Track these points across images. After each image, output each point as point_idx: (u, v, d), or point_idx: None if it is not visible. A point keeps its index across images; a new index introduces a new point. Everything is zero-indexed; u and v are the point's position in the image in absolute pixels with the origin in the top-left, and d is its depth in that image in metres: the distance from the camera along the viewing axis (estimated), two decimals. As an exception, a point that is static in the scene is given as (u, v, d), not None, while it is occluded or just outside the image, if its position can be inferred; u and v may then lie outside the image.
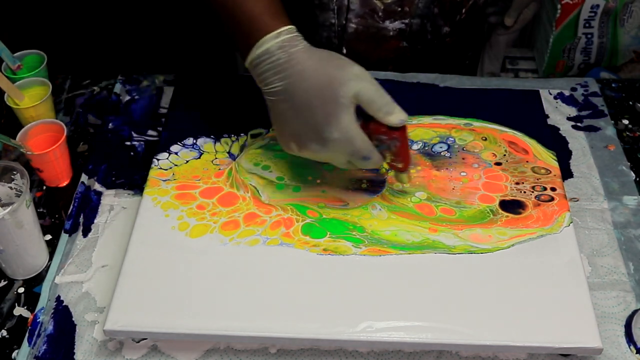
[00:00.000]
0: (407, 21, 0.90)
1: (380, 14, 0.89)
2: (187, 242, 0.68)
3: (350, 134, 0.63)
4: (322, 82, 0.62)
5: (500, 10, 1.03)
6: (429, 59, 0.96)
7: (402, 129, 0.65)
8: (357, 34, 0.91)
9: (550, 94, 0.90)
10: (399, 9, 0.89)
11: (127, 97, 0.91)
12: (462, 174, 0.75)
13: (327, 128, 0.63)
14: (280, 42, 0.63)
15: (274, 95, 0.65)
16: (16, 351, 0.66)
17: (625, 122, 0.87)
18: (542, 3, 1.11)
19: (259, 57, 0.64)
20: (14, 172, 0.69)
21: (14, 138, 0.76)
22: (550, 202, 0.72)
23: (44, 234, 0.75)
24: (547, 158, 0.76)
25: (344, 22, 0.90)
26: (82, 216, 0.76)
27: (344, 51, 0.93)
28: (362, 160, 0.65)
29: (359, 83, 0.63)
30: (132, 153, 0.83)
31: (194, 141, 0.79)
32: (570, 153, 0.82)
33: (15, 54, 0.85)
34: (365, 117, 0.65)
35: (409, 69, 0.92)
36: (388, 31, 0.91)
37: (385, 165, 0.71)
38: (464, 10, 0.92)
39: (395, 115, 0.64)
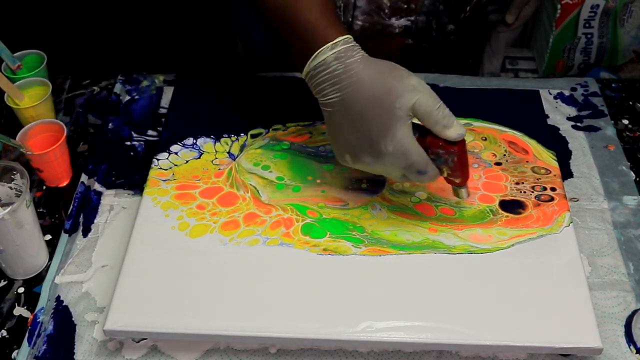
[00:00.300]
0: (412, 18, 0.90)
1: (386, 11, 0.89)
2: (187, 242, 0.68)
3: (406, 148, 0.61)
4: (378, 94, 0.61)
5: (501, 9, 1.03)
6: (433, 56, 0.96)
7: (460, 143, 0.63)
8: (363, 31, 0.91)
9: (550, 94, 0.90)
10: (405, 6, 0.89)
11: (127, 97, 0.91)
12: (462, 174, 0.75)
13: (382, 141, 0.61)
14: (337, 53, 0.62)
15: (330, 106, 0.64)
16: (16, 351, 0.66)
17: (625, 122, 0.87)
18: (542, 3, 1.11)
19: (315, 68, 0.63)
20: (14, 172, 0.69)
21: (14, 138, 0.76)
22: (550, 202, 0.72)
23: (44, 234, 0.75)
24: (547, 158, 0.76)
25: (350, 19, 0.90)
26: (82, 216, 0.76)
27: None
28: (418, 174, 0.63)
29: (416, 95, 0.61)
30: (132, 153, 0.83)
31: (194, 141, 0.79)
32: (570, 153, 0.82)
33: (15, 54, 0.85)
34: (421, 131, 0.63)
35: (413, 66, 0.92)
36: (394, 28, 0.91)
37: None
38: (468, 8, 0.92)
39: (453, 129, 0.62)
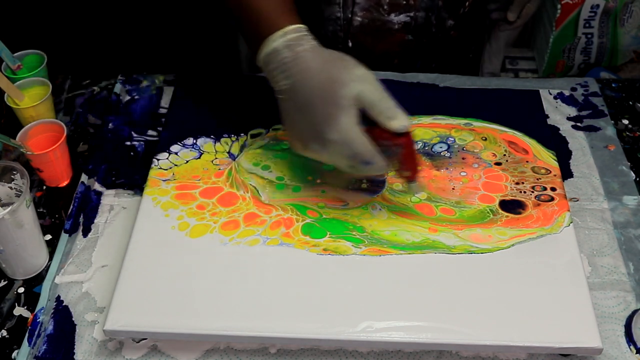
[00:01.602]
0: (412, 14, 0.90)
1: (385, 7, 0.89)
2: (187, 242, 0.68)
3: (350, 137, 0.62)
4: (323, 82, 0.62)
5: (503, 7, 1.03)
6: (433, 52, 0.96)
7: (406, 135, 0.63)
8: (363, 27, 0.92)
9: (550, 94, 0.90)
10: (404, 2, 0.89)
11: (127, 97, 0.91)
12: (462, 173, 0.75)
13: (327, 129, 0.62)
14: (287, 40, 0.63)
15: (281, 94, 0.65)
16: (16, 351, 0.66)
17: (625, 122, 0.87)
18: (543, 3, 1.11)
19: (268, 55, 0.64)
20: (14, 172, 0.69)
21: (14, 138, 0.76)
22: (550, 202, 0.72)
23: (44, 234, 0.75)
24: (547, 158, 0.77)
25: (350, 15, 0.90)
26: (82, 216, 0.76)
27: (350, 44, 0.93)
28: (364, 164, 0.63)
29: (361, 85, 0.62)
30: (132, 153, 0.83)
31: (194, 141, 0.79)
32: (570, 153, 0.82)
33: (15, 54, 0.85)
34: (370, 122, 0.63)
35: (414, 63, 0.92)
36: (393, 24, 0.91)
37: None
38: (467, 3, 0.92)
39: (397, 120, 0.62)
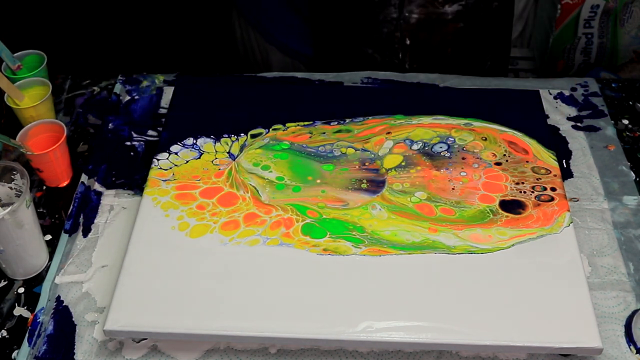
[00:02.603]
0: (463, 2, 0.92)
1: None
2: (187, 242, 0.68)
3: None
4: None
5: None
6: (482, 37, 0.98)
7: None
8: (419, 23, 0.93)
9: (550, 94, 0.90)
10: None
11: (127, 97, 0.91)
12: (462, 174, 0.75)
13: None
14: None
15: None
16: (16, 351, 0.66)
17: (625, 122, 0.87)
18: (542, 3, 1.11)
19: None
20: (14, 172, 0.69)
21: (14, 138, 0.76)
22: (550, 202, 0.72)
23: (44, 234, 0.75)
24: (547, 158, 0.77)
25: (407, 14, 0.92)
26: (82, 216, 0.76)
27: (407, 42, 0.95)
28: None
29: None
30: (132, 153, 0.83)
31: (194, 141, 0.79)
32: (570, 153, 0.82)
33: (15, 54, 0.85)
34: None
35: (466, 50, 0.95)
36: (447, 15, 0.93)
37: (386, 165, 0.71)
38: None
39: None
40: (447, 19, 0.94)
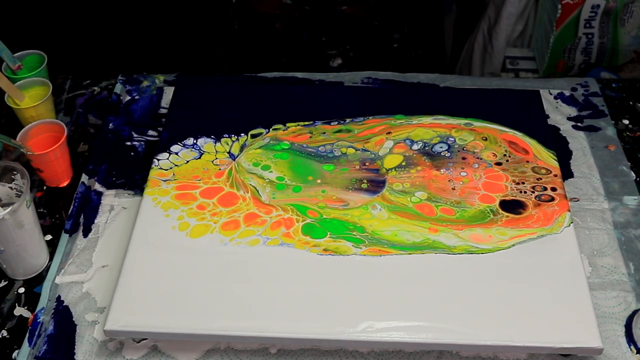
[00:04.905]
0: None
1: None
2: (187, 242, 0.68)
3: None
4: None
5: None
6: (325, 25, 0.93)
7: None
8: None
9: (551, 94, 0.90)
10: None
11: (128, 97, 0.91)
12: (462, 174, 0.75)
13: None
14: None
15: None
16: (16, 351, 0.66)
17: (626, 122, 0.87)
18: (543, 3, 1.11)
19: None
20: (14, 172, 0.69)
21: (14, 138, 0.76)
22: (551, 202, 0.72)
23: (44, 234, 0.75)
24: (547, 158, 0.77)
25: None
26: (82, 216, 0.76)
27: (233, 0, 0.91)
28: None
29: None
30: (132, 153, 0.83)
31: (194, 141, 0.79)
32: (570, 153, 0.82)
33: (15, 54, 0.85)
34: None
35: (299, 31, 0.90)
36: None
37: (387, 165, 0.71)
38: None
39: None
40: None
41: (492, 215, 0.71)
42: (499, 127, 0.80)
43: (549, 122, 0.85)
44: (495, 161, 0.76)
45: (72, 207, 0.77)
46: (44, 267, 0.72)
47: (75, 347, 0.65)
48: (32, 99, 0.82)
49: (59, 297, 0.69)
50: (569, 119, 0.87)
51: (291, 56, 0.89)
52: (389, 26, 0.98)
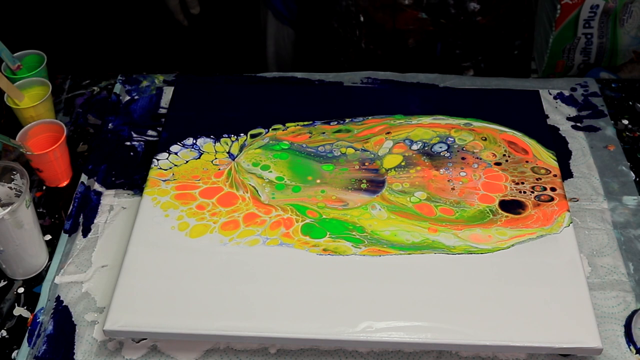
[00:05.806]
0: None
1: None
2: (187, 242, 0.68)
3: None
4: None
5: None
6: (460, 37, 0.93)
7: None
8: (372, 1, 0.89)
9: (550, 94, 0.90)
10: None
11: (127, 97, 0.91)
12: (462, 174, 0.75)
13: None
14: None
15: None
16: (16, 351, 0.66)
17: (625, 122, 0.87)
18: (542, 3, 1.11)
19: None
20: (14, 172, 0.69)
21: (14, 138, 0.76)
22: (550, 202, 0.72)
23: (44, 234, 0.75)
24: (546, 158, 0.77)
25: None
26: (82, 216, 0.76)
27: (362, 19, 0.92)
28: None
29: None
30: (132, 153, 0.83)
31: (194, 141, 0.79)
32: (570, 153, 0.82)
33: (15, 54, 0.85)
34: None
35: (433, 44, 0.90)
36: (403, 0, 0.89)
37: (386, 165, 0.70)
38: None
39: None
40: (404, 3, 0.88)
41: (491, 216, 0.71)
42: (498, 127, 0.80)
43: (549, 122, 0.85)
44: (494, 161, 0.76)
45: (71, 207, 0.77)
46: (44, 267, 0.72)
47: (75, 347, 0.65)
48: (31, 99, 0.82)
49: (59, 297, 0.69)
50: (569, 119, 0.87)
51: (425, 71, 0.90)
52: (513, 33, 0.99)
